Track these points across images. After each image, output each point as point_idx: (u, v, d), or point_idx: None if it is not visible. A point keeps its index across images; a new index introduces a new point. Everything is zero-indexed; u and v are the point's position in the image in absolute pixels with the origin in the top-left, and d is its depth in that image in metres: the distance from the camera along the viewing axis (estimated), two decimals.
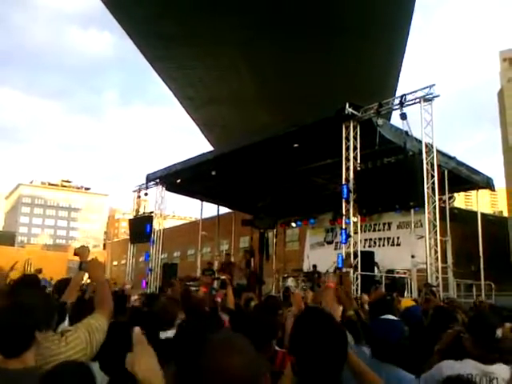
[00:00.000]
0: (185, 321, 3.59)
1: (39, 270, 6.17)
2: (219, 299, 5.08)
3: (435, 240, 11.51)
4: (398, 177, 11.44)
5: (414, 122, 12.02)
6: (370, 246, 17.47)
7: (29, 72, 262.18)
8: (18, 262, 6.91)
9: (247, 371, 1.30)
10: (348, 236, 12.22)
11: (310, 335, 1.86)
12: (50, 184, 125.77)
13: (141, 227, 19.72)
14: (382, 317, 3.01)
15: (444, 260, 13.11)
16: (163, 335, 3.19)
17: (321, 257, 19.36)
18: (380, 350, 2.73)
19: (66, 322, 3.09)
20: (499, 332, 2.96)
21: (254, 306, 5.82)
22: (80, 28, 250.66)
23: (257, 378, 1.33)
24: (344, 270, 11.93)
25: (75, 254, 3.40)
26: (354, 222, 12.28)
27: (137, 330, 1.61)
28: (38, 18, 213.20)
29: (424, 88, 11.95)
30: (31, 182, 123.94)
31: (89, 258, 3.31)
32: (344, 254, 12.28)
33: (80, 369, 1.88)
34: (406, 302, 5.71)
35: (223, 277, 13.76)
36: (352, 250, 12.04)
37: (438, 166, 12.10)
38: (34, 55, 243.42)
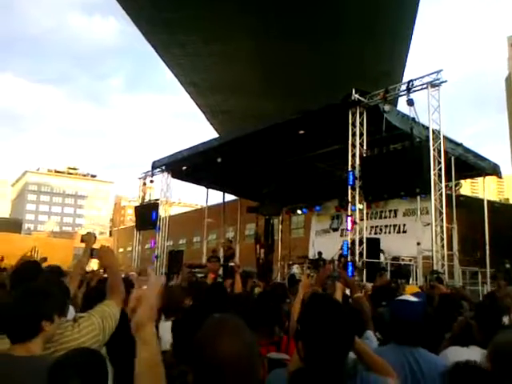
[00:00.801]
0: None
1: (44, 259, 6.15)
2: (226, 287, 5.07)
3: (441, 227, 11.47)
4: (404, 163, 11.37)
5: (420, 108, 11.94)
6: (376, 233, 17.46)
7: (33, 59, 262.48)
8: (26, 253, 6.92)
9: (240, 353, 1.29)
10: (354, 223, 12.20)
11: (317, 321, 1.87)
12: (56, 171, 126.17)
13: (147, 214, 19.80)
14: (402, 297, 2.93)
15: (450, 247, 13.08)
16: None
17: (326, 244, 19.39)
18: (404, 332, 2.60)
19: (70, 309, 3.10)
20: (506, 319, 2.95)
21: (258, 293, 5.84)
22: (85, 14, 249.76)
23: (250, 360, 1.32)
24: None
25: (82, 241, 3.41)
26: (359, 209, 12.25)
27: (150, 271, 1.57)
28: (41, 3, 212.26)
29: (431, 73, 11.84)
30: (38, 170, 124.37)
31: (95, 245, 3.32)
32: (350, 241, 12.29)
33: (92, 356, 1.87)
34: (411, 288, 5.71)
35: (232, 264, 13.82)
36: (358, 237, 12.04)
37: (445, 152, 12.02)
38: (38, 41, 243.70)
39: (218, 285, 4.68)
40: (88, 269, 5.98)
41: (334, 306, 1.98)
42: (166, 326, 3.15)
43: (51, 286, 2.27)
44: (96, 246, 3.42)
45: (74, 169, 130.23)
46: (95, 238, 3.46)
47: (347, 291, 3.73)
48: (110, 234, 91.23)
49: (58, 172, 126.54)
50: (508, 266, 13.64)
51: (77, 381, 1.72)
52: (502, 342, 1.96)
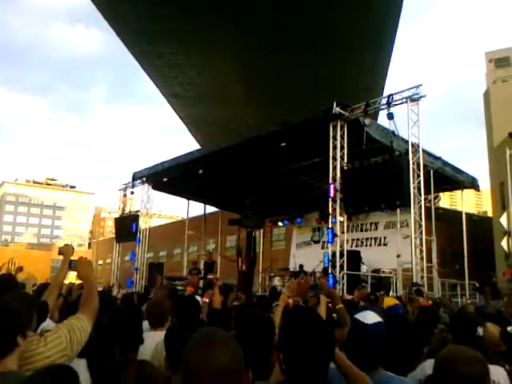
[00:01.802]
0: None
1: (20, 268, 6.01)
2: (206, 300, 5.01)
3: (421, 240, 11.56)
4: (384, 176, 11.47)
5: (400, 122, 12.10)
6: (357, 246, 17.54)
7: (14, 69, 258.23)
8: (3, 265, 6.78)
9: (228, 364, 1.29)
10: (334, 235, 12.24)
11: (297, 333, 1.87)
12: (34, 182, 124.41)
13: (127, 226, 19.60)
14: (359, 316, 2.51)
15: (429, 259, 13.19)
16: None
17: (307, 256, 19.40)
18: (358, 355, 2.29)
19: (48, 322, 3.04)
20: (480, 330, 2.97)
21: (235, 305, 5.78)
22: (67, 24, 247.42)
23: (237, 371, 1.32)
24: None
25: (59, 254, 3.37)
26: (340, 222, 12.30)
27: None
28: (23, 13, 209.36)
29: (411, 88, 12.02)
30: (16, 180, 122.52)
31: (73, 257, 3.28)
32: (330, 254, 12.31)
33: (65, 371, 1.82)
34: (389, 300, 5.71)
35: (210, 276, 13.73)
36: (338, 250, 12.07)
37: (424, 165, 12.17)
38: (20, 51, 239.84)
39: (189, 299, 4.53)
40: (65, 281, 5.88)
41: (313, 318, 1.97)
42: (149, 336, 3.13)
43: (22, 302, 2.22)
44: (74, 257, 3.38)
45: (53, 179, 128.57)
46: (73, 249, 3.41)
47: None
48: (89, 246, 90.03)
49: (37, 183, 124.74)
50: (494, 279, 13.78)
51: None
52: (442, 356, 2.03)
